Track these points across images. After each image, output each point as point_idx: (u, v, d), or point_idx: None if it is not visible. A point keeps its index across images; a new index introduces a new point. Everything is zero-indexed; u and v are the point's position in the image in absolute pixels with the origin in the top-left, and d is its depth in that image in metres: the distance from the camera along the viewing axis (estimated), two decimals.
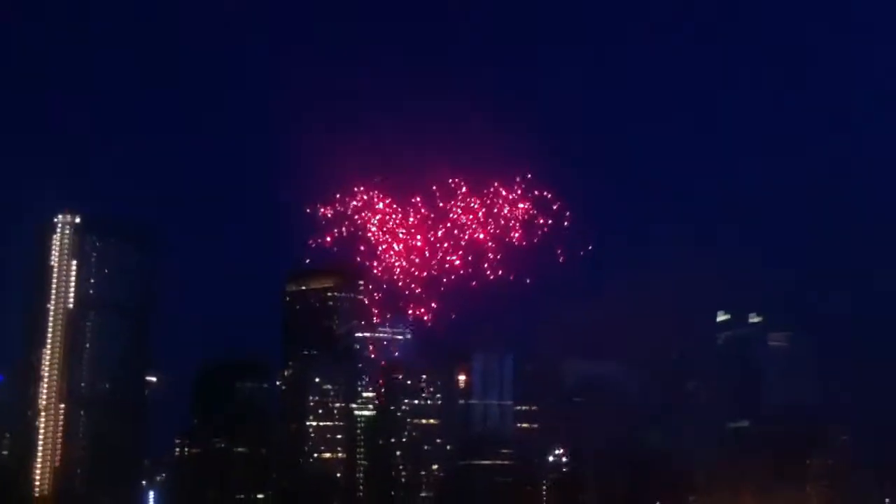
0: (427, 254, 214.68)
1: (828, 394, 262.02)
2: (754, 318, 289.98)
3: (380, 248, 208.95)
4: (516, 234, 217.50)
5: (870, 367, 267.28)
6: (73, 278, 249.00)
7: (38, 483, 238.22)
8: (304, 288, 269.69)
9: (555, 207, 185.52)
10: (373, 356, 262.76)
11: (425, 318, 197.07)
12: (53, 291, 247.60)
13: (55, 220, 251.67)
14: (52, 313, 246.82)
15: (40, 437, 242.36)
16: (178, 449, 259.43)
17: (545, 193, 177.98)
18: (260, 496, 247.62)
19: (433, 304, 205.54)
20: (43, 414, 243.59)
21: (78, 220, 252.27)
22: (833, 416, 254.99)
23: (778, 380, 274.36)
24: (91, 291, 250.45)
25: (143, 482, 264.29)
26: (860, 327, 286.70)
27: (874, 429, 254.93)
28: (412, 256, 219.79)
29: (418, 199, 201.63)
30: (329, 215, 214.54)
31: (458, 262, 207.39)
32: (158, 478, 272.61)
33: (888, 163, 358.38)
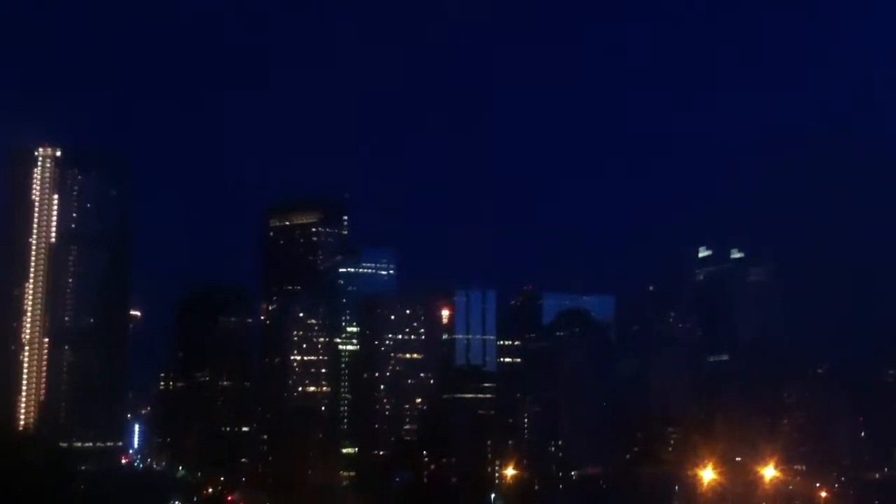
0: None
1: (805, 328, 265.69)
2: (736, 254, 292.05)
3: None
4: None
5: (846, 302, 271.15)
6: (54, 212, 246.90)
7: (22, 417, 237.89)
8: (287, 223, 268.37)
9: None
10: (357, 291, 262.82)
11: None
12: (35, 226, 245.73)
13: (35, 153, 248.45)
14: (34, 248, 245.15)
15: (24, 371, 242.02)
16: (162, 382, 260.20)
17: None
18: (245, 429, 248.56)
19: None
20: (27, 348, 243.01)
21: (59, 153, 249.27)
22: (810, 349, 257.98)
23: (757, 314, 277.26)
24: (73, 226, 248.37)
25: (128, 415, 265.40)
26: (839, 263, 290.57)
27: (850, 362, 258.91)
28: None
29: None
30: None
31: None
32: (143, 411, 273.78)
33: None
